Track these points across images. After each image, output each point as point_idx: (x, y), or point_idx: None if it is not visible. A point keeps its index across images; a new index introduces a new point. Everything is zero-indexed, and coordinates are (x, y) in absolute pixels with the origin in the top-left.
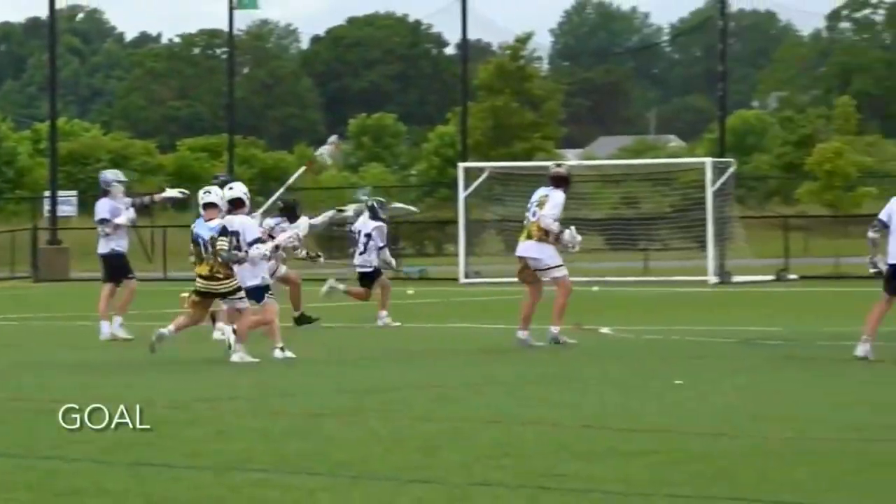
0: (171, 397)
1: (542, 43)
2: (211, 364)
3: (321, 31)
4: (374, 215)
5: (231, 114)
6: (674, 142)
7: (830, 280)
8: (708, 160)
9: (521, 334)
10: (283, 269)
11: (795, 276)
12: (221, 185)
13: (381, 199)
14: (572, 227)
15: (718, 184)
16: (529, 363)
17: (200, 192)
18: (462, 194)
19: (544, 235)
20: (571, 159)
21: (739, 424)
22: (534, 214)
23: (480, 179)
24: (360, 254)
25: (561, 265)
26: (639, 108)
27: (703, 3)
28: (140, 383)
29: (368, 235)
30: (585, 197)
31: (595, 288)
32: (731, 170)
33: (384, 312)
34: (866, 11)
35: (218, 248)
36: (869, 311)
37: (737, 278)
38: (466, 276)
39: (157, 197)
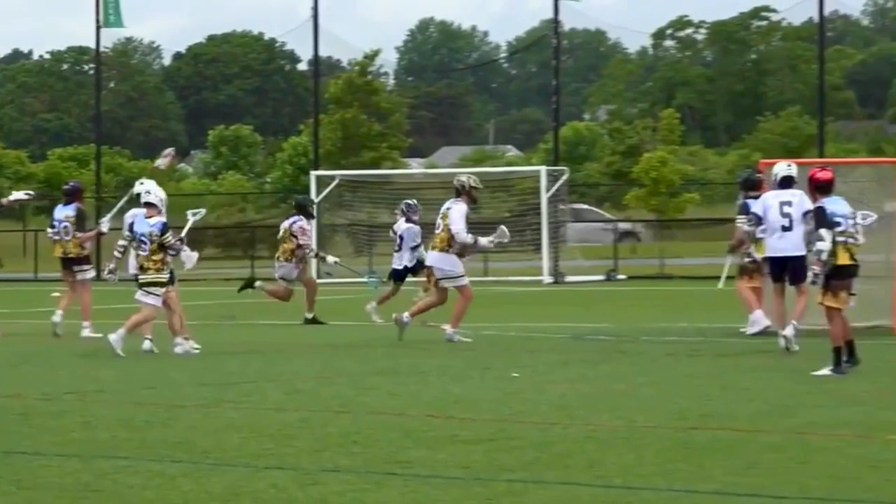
0: (42, 390)
1: (389, 59)
2: (81, 358)
3: (182, 48)
4: (408, 218)
5: (98, 125)
6: (511, 151)
7: (655, 280)
8: (543, 168)
9: (447, 329)
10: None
11: (624, 276)
12: (69, 192)
13: (409, 201)
14: (502, 227)
15: (553, 190)
16: (375, 357)
17: (141, 191)
18: (317, 200)
19: (447, 246)
20: (416, 167)
21: (572, 413)
22: (438, 227)
23: (331, 186)
24: (396, 251)
25: (462, 275)
26: (478, 119)
27: (538, 23)
28: (12, 377)
29: (401, 237)
30: (431, 203)
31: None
32: (565, 177)
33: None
34: (689, 31)
35: (169, 243)
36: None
37: (569, 278)
38: (319, 277)
39: (4, 200)
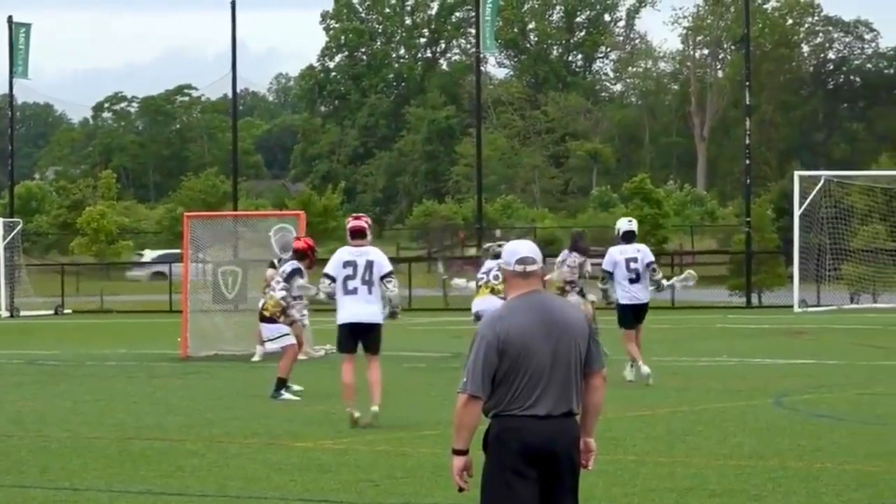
0: None
1: None
2: None
3: None
4: None
5: None
6: None
7: (97, 313)
8: (0, 220)
9: None
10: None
11: (70, 310)
12: None
13: None
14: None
15: (8, 239)
16: None
17: None
18: None
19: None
20: None
21: (26, 427)
22: None
23: None
24: None
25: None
26: None
27: None
28: None
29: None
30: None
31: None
32: (19, 228)
33: None
34: (124, 104)
35: None
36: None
37: (24, 312)
38: None
39: None
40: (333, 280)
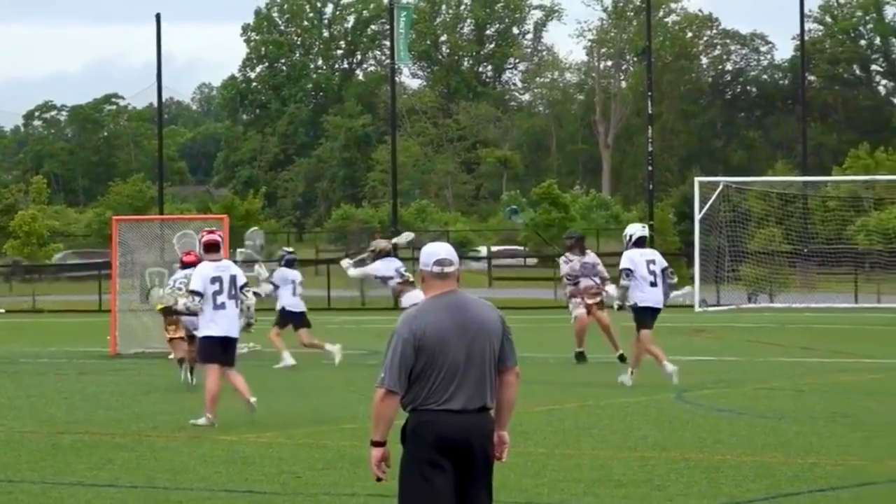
0: None
1: None
2: None
3: None
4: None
5: None
6: None
7: (29, 313)
8: None
9: None
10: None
11: (2, 310)
12: None
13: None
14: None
15: None
16: None
17: None
18: None
19: None
20: None
21: None
22: None
23: None
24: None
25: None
26: None
27: None
28: None
29: None
30: None
31: None
32: None
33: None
34: (53, 112)
35: None
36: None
37: None
38: None
39: None
40: (201, 296)
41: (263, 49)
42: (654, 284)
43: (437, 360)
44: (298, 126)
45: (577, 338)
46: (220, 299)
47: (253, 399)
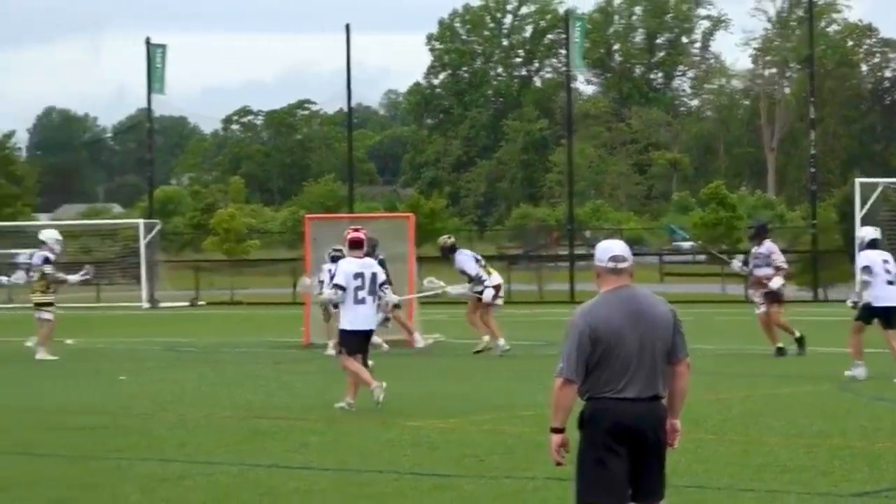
0: None
1: (22, 137)
2: None
3: None
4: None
5: None
6: (116, 208)
7: (228, 305)
8: (141, 221)
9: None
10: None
11: (204, 302)
12: None
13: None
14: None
15: (148, 238)
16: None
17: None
18: None
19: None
20: (44, 220)
21: (166, 407)
22: None
23: None
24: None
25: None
26: (91, 184)
27: (136, 110)
28: None
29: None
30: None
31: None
32: (158, 228)
33: None
34: (250, 117)
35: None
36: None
37: (163, 304)
38: None
39: None
40: (344, 290)
41: (446, 57)
42: (891, 283)
43: (612, 350)
44: (480, 129)
45: (768, 335)
46: (360, 294)
47: (377, 389)
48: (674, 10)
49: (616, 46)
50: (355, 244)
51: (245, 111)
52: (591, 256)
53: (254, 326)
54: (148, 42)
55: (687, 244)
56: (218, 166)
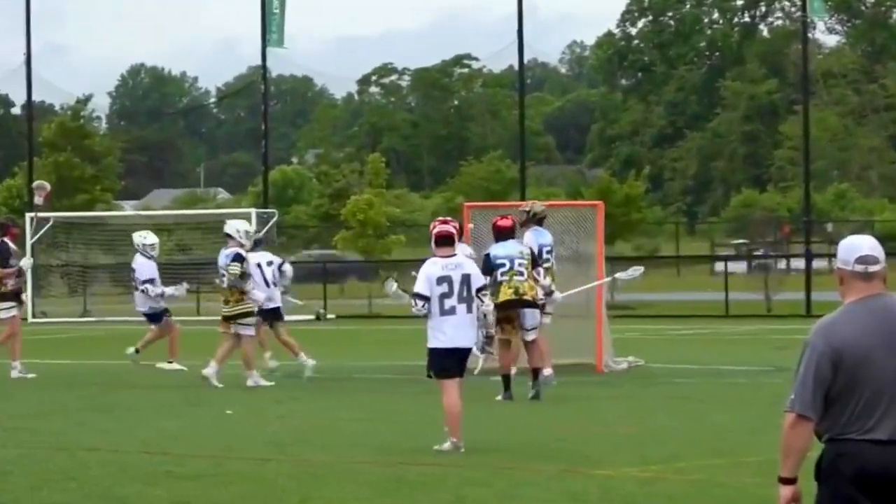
0: None
1: (101, 104)
2: None
3: None
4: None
5: None
6: (222, 194)
7: (364, 318)
8: (253, 211)
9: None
10: None
11: (333, 315)
12: None
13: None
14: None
15: (262, 232)
16: (91, 394)
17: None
18: (29, 241)
19: None
20: (129, 210)
21: (285, 449)
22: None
23: (45, 228)
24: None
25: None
26: (189, 163)
27: (247, 69)
28: None
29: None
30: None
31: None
32: (274, 219)
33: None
34: (393, 77)
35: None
36: None
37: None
38: (34, 316)
39: None
40: (427, 299)
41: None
42: None
43: (859, 378)
44: (689, 93)
45: None
46: (448, 303)
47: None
48: None
49: None
50: (442, 239)
51: (386, 69)
52: (832, 256)
53: (395, 346)
54: None
55: None
56: (352, 140)
